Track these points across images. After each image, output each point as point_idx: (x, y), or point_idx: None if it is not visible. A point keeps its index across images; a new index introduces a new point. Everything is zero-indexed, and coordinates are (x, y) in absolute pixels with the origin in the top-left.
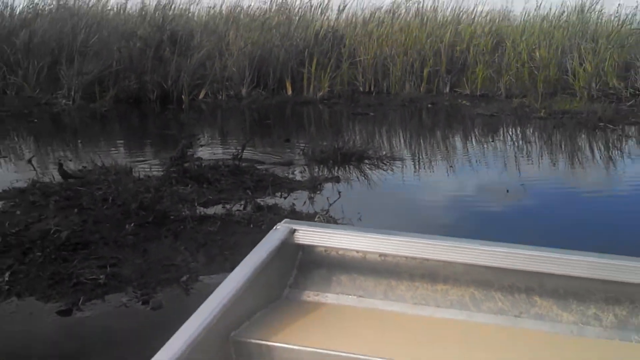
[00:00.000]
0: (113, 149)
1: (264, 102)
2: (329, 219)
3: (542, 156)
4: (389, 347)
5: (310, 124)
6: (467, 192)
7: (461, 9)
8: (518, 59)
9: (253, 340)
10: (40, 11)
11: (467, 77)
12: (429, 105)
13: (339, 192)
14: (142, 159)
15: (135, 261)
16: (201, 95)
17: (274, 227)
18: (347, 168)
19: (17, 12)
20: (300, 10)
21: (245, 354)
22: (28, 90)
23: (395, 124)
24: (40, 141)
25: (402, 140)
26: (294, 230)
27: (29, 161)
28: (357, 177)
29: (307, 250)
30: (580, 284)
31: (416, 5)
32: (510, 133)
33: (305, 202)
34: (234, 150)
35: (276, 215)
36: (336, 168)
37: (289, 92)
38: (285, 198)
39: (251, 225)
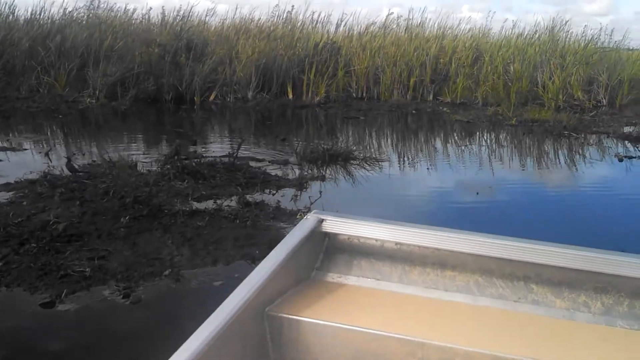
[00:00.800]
0: (126, 143)
1: (266, 104)
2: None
3: (511, 159)
4: (403, 325)
5: (306, 125)
6: (440, 189)
7: (446, 26)
8: (495, 71)
9: (285, 315)
10: (73, 18)
11: (449, 87)
12: (414, 111)
13: (320, 192)
14: (151, 153)
15: (123, 253)
16: (212, 97)
17: (305, 217)
18: (333, 167)
19: (54, 19)
20: (303, 23)
21: (278, 327)
22: (58, 89)
23: (382, 127)
24: (62, 135)
25: (386, 142)
26: (322, 220)
27: (47, 154)
28: (342, 176)
29: (332, 237)
30: (572, 275)
31: (406, 21)
32: (484, 138)
33: (290, 199)
34: (234, 147)
35: (261, 211)
36: (324, 167)
37: (290, 96)
38: (273, 194)
39: (237, 221)
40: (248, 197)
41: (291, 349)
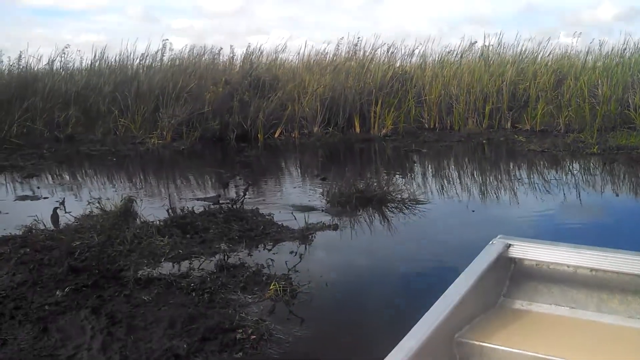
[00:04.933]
0: (154, 187)
1: (328, 139)
2: (290, 280)
3: (577, 195)
4: (603, 356)
5: (360, 160)
6: (475, 241)
7: (524, 49)
8: (579, 94)
9: (475, 342)
10: (149, 65)
11: (528, 113)
12: (484, 141)
13: (304, 253)
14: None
15: (18, 345)
16: (277, 134)
17: (491, 242)
18: (361, 212)
19: (133, 66)
20: (372, 54)
21: (467, 354)
22: (134, 131)
23: (442, 161)
24: (95, 181)
25: (437, 179)
26: (509, 245)
27: (61, 203)
28: (362, 225)
29: (519, 263)
30: None
31: (482, 48)
32: (553, 171)
33: (276, 260)
34: (263, 190)
35: (233, 278)
36: (349, 212)
37: (357, 129)
38: (260, 251)
39: (193, 293)
40: (232, 255)
41: None
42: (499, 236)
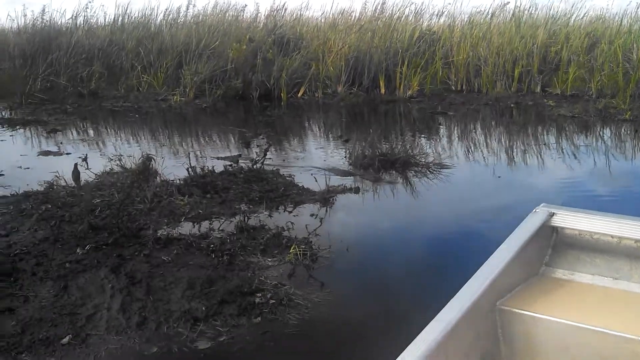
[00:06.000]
0: (177, 144)
1: (352, 100)
2: (310, 244)
3: (607, 163)
4: None
5: (384, 122)
6: (500, 207)
7: (557, 10)
8: (613, 59)
9: (516, 310)
10: (172, 22)
11: (559, 77)
12: (512, 105)
13: (325, 216)
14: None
15: (39, 303)
16: (300, 93)
17: (534, 210)
18: (384, 175)
19: (156, 23)
20: (401, 13)
21: (509, 321)
22: (157, 87)
23: (468, 124)
24: (118, 136)
25: (463, 143)
26: (552, 214)
27: (84, 159)
28: (384, 188)
29: (561, 232)
30: None
31: (513, 8)
32: (583, 137)
33: (296, 223)
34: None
35: (253, 240)
36: (372, 175)
37: (382, 90)
38: (280, 213)
39: (212, 255)
40: (252, 216)
41: (522, 344)
42: (542, 204)
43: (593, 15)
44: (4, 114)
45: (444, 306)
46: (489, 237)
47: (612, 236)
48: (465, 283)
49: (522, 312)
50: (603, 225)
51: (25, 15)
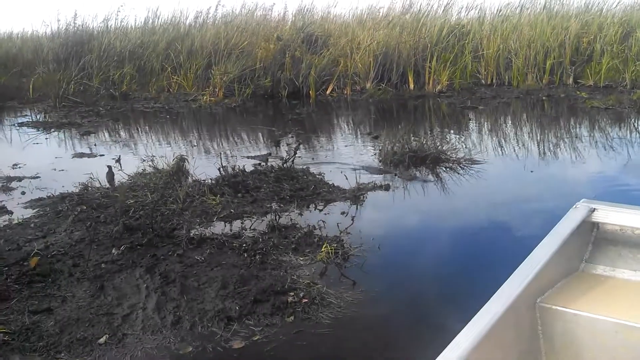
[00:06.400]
0: (207, 145)
1: (381, 96)
2: (342, 242)
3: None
4: None
5: (412, 118)
6: (534, 203)
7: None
8: None
9: (557, 307)
10: (203, 22)
11: (592, 68)
12: (544, 98)
13: (355, 214)
14: (227, 154)
15: (76, 303)
16: (329, 90)
17: (574, 205)
18: (414, 172)
19: (186, 24)
20: (429, 8)
21: (550, 319)
22: (187, 88)
23: (499, 119)
24: (150, 137)
25: (494, 138)
26: (593, 210)
27: (117, 160)
28: (415, 185)
29: (602, 227)
30: None
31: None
32: (617, 129)
33: (328, 221)
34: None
35: (285, 239)
36: (402, 172)
37: (411, 86)
38: (311, 212)
39: (244, 255)
40: (284, 215)
41: (563, 341)
42: (582, 200)
43: (627, 3)
44: (39, 117)
45: (482, 305)
46: (523, 233)
47: None
48: (504, 281)
49: (563, 309)
50: None
51: (58, 21)
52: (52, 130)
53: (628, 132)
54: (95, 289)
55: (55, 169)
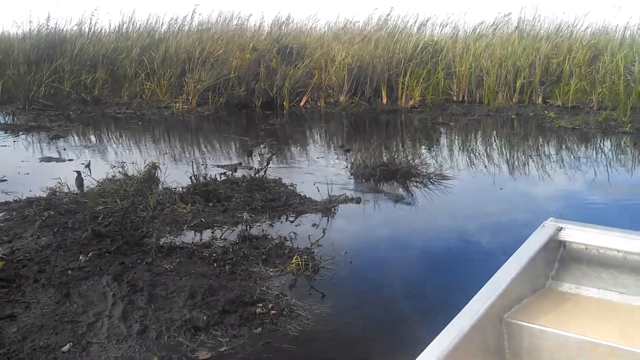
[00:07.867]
0: (178, 152)
1: (354, 109)
2: (312, 254)
3: (607, 175)
4: None
5: (385, 132)
6: (502, 220)
7: (560, 23)
8: (615, 71)
9: (523, 323)
10: (178, 29)
11: (561, 89)
12: (513, 116)
13: (326, 227)
14: (199, 162)
15: (40, 310)
16: (302, 102)
17: (542, 224)
18: (385, 186)
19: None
20: (404, 25)
21: (516, 334)
22: (160, 95)
23: (470, 136)
24: (121, 143)
25: (464, 154)
26: (560, 228)
27: (87, 166)
28: (386, 199)
29: (568, 246)
30: None
31: (518, 20)
32: (584, 148)
33: (298, 233)
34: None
35: (256, 249)
36: (373, 185)
37: (384, 100)
38: (282, 223)
39: (215, 264)
40: (255, 225)
41: (528, 357)
42: (550, 219)
43: (595, 28)
44: (7, 119)
45: (450, 319)
46: (491, 247)
47: (618, 251)
48: (472, 296)
49: (529, 325)
50: (610, 240)
51: (30, 22)
52: (20, 133)
53: (594, 152)
54: (60, 295)
55: (22, 173)
